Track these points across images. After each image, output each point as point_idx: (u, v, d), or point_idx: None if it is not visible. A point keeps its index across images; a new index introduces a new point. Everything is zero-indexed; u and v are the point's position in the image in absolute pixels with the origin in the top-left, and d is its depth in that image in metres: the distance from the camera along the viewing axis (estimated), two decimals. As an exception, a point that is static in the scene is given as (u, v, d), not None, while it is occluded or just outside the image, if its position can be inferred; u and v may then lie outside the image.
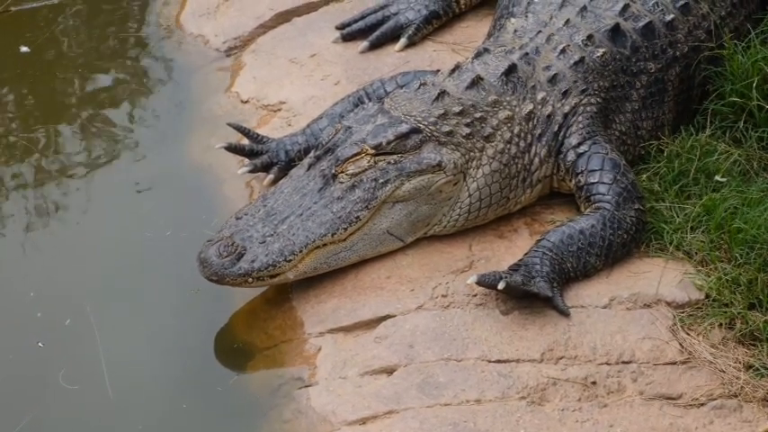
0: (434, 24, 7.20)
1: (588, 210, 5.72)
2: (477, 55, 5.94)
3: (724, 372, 5.25)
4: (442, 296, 5.50)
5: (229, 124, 6.45)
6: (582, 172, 5.78)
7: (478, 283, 5.34)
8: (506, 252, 5.74)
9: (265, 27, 7.56)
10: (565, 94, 5.88)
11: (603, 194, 5.69)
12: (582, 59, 5.93)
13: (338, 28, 7.28)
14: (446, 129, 5.69)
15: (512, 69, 5.83)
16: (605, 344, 5.31)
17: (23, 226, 6.43)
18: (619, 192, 5.68)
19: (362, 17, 7.26)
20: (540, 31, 6.03)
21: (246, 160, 6.35)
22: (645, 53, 6.10)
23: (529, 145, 5.83)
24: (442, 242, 5.78)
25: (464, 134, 5.71)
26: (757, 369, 5.26)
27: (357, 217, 5.59)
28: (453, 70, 5.87)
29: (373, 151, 5.62)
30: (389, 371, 5.26)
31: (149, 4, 8.11)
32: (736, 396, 5.18)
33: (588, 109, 5.90)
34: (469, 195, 5.74)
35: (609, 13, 6.10)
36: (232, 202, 6.27)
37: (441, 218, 5.74)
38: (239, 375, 5.52)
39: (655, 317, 5.41)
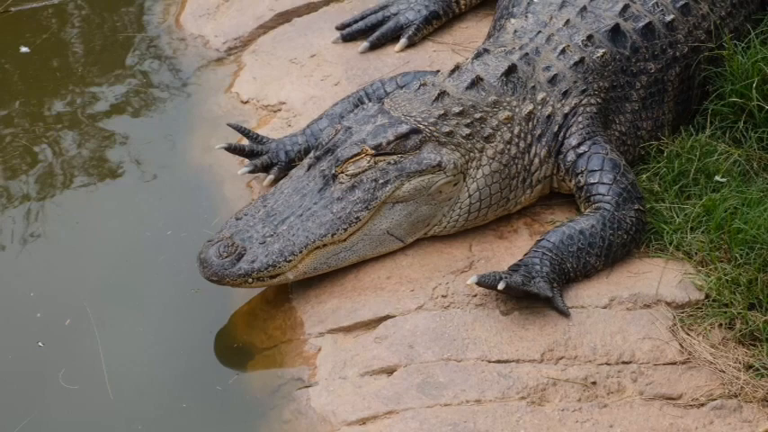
0: (434, 25, 7.20)
1: (588, 210, 5.72)
2: (477, 55, 5.94)
3: (724, 372, 5.25)
4: (442, 296, 5.50)
5: (229, 125, 6.45)
6: (582, 172, 5.78)
7: (478, 283, 5.34)
8: (506, 252, 5.75)
9: (265, 27, 7.56)
10: (565, 94, 5.89)
11: (603, 195, 5.69)
12: (582, 60, 5.93)
13: (338, 28, 7.28)
14: (446, 129, 5.69)
15: (512, 70, 5.83)
16: (605, 344, 5.31)
17: (24, 226, 6.43)
18: (619, 192, 5.69)
19: (362, 17, 7.27)
20: (539, 32, 6.03)
21: (246, 161, 6.35)
22: (645, 53, 6.10)
23: (529, 145, 5.83)
24: (442, 242, 5.78)
25: (464, 134, 5.71)
26: (757, 369, 5.26)
27: (357, 217, 5.59)
28: (453, 71, 5.87)
29: (373, 152, 5.62)
30: (389, 371, 5.26)
31: (149, 4, 8.12)
32: (736, 396, 5.18)
33: (588, 109, 5.90)
34: (469, 196, 5.74)
35: (609, 13, 6.10)
36: (232, 203, 6.27)
37: (441, 218, 5.74)
38: (239, 375, 5.52)
39: (655, 317, 5.41)
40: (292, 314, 5.65)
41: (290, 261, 5.51)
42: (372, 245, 5.67)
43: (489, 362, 5.25)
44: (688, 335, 5.37)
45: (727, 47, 6.28)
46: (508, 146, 5.78)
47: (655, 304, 5.47)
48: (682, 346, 5.33)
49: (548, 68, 5.90)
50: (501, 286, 5.29)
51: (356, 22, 7.26)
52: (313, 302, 5.63)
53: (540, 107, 5.85)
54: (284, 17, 7.59)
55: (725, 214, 5.70)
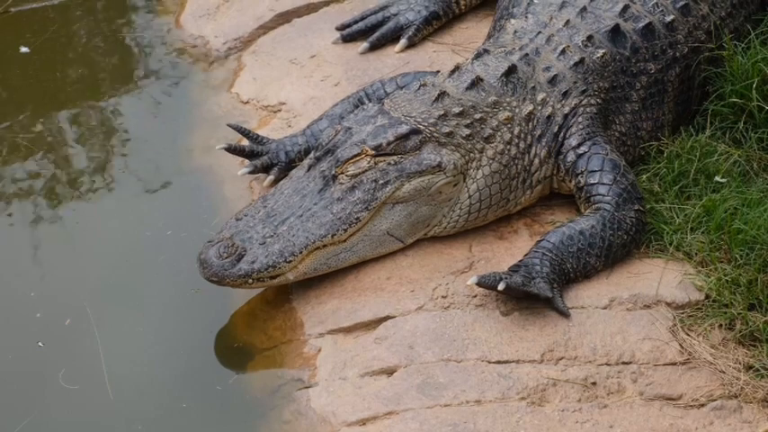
0: (434, 25, 7.20)
1: (588, 210, 5.72)
2: (477, 56, 5.94)
3: (724, 372, 5.25)
4: (442, 297, 5.50)
5: (229, 125, 6.45)
6: (582, 173, 5.78)
7: (478, 284, 5.34)
8: (506, 253, 5.75)
9: (265, 28, 7.56)
10: (565, 94, 5.89)
11: (603, 195, 5.69)
12: (582, 60, 5.93)
13: (338, 29, 7.28)
14: (446, 130, 5.69)
15: (512, 70, 5.83)
16: (605, 344, 5.31)
17: (24, 226, 6.44)
18: (619, 192, 5.69)
19: (363, 18, 7.27)
20: (539, 32, 6.03)
21: (247, 161, 6.35)
22: (645, 54, 6.10)
23: (529, 146, 5.83)
24: (443, 243, 5.78)
25: (464, 135, 5.71)
26: (757, 370, 5.26)
27: (357, 218, 5.59)
28: (453, 71, 5.87)
29: (373, 152, 5.62)
30: (389, 372, 5.26)
31: (150, 4, 8.12)
32: (736, 397, 5.18)
33: (588, 110, 5.90)
34: (469, 196, 5.74)
35: (609, 13, 6.10)
36: (232, 203, 6.27)
37: (441, 219, 5.74)
38: (239, 375, 5.52)
39: (655, 317, 5.41)
40: (292, 315, 5.65)
41: (290, 262, 5.51)
42: (372, 245, 5.68)
43: (489, 362, 5.25)
44: (688, 335, 5.37)
45: (728, 47, 6.28)
46: (508, 146, 5.78)
47: (655, 305, 5.47)
48: (682, 347, 5.33)
49: (548, 69, 5.90)
50: (501, 287, 5.29)
51: (356, 22, 7.26)
52: (313, 303, 5.63)
53: (540, 108, 5.85)
54: (284, 18, 7.59)
55: (725, 215, 5.70)
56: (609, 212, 5.63)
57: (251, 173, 6.31)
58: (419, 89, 5.83)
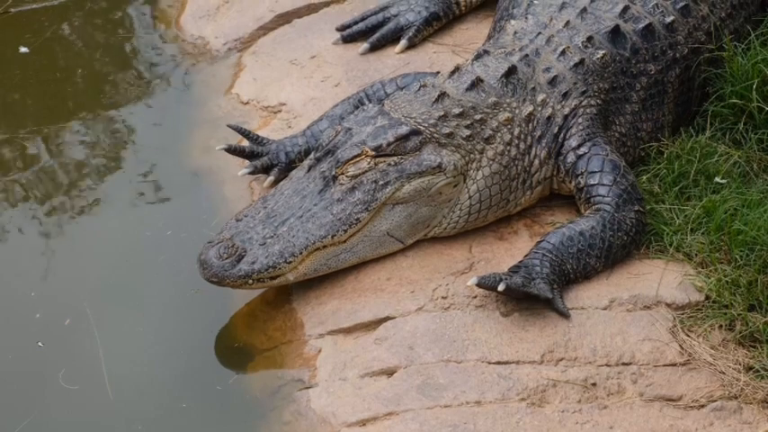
0: (435, 26, 7.20)
1: (588, 211, 5.72)
2: (477, 57, 5.94)
3: (724, 373, 5.25)
4: (442, 298, 5.50)
5: (230, 126, 6.45)
6: (582, 173, 5.78)
7: (479, 284, 5.34)
8: (506, 254, 5.75)
9: (266, 28, 7.56)
10: (565, 95, 5.89)
11: (603, 196, 5.70)
12: (582, 61, 5.93)
13: (339, 29, 7.28)
14: (446, 130, 5.69)
15: (512, 71, 5.83)
16: (605, 345, 5.31)
17: (23, 226, 6.44)
18: (619, 193, 5.69)
19: (363, 19, 7.26)
20: (539, 33, 6.03)
21: (247, 162, 6.35)
22: (645, 55, 6.10)
23: (529, 147, 5.84)
24: (443, 244, 5.78)
25: (464, 136, 5.71)
26: (757, 371, 5.26)
27: (357, 219, 5.59)
28: (453, 72, 5.87)
29: (373, 153, 5.62)
30: (389, 372, 5.26)
31: (150, 5, 8.12)
32: (736, 398, 5.18)
33: (588, 111, 5.90)
34: (469, 197, 5.74)
35: (609, 14, 6.10)
36: (232, 204, 6.27)
37: (441, 219, 5.74)
38: (239, 376, 5.52)
39: (655, 318, 5.42)
40: (292, 315, 5.65)
41: (290, 262, 5.51)
42: (372, 246, 5.68)
43: (489, 363, 5.25)
44: (688, 336, 5.37)
45: (728, 48, 6.28)
46: (508, 147, 5.78)
47: (655, 306, 5.47)
48: (682, 348, 5.33)
49: (548, 70, 5.90)
50: (501, 288, 5.29)
51: (356, 23, 7.26)
52: (313, 304, 5.63)
53: (540, 108, 5.85)
54: (284, 18, 7.59)
55: (725, 216, 5.70)
56: (609, 213, 5.63)
57: (251, 173, 6.31)
58: (419, 90, 5.83)
